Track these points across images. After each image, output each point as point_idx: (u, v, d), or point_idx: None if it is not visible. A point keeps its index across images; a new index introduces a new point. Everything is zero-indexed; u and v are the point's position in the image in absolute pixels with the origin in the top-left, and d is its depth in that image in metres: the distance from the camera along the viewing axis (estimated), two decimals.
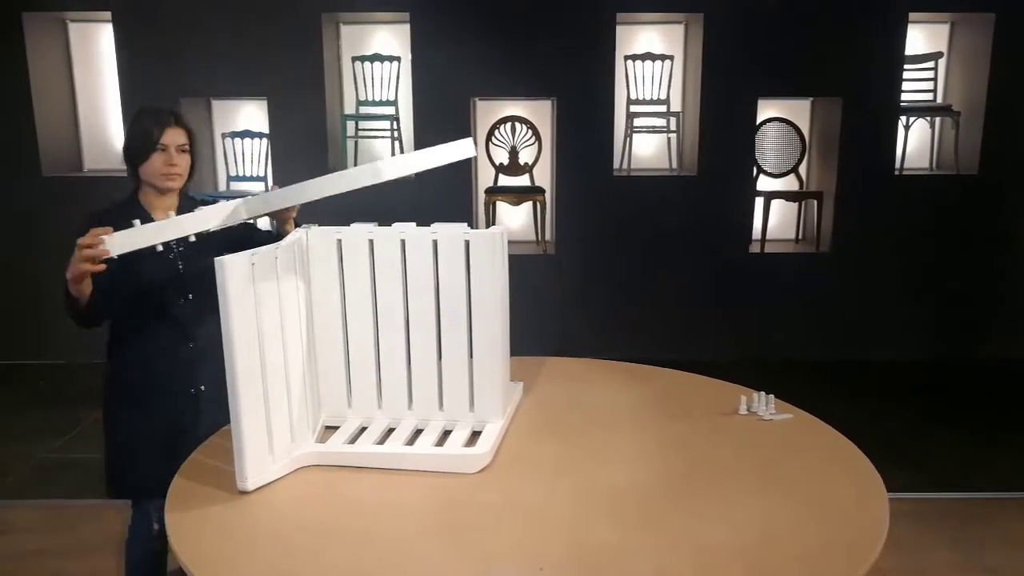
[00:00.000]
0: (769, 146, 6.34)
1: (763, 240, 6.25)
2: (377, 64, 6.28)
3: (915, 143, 6.48)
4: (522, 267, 5.26)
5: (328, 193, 2.13)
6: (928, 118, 6.45)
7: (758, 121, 6.17)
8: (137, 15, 5.89)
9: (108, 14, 5.95)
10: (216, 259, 1.91)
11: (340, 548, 1.75)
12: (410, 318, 2.25)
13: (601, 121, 6.02)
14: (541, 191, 6.22)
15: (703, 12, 5.93)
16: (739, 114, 6.05)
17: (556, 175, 6.20)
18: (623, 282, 6.19)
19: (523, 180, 6.36)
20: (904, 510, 3.79)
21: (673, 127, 6.39)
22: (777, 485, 2.01)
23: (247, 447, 1.98)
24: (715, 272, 6.17)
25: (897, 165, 6.25)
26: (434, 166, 2.20)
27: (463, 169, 5.96)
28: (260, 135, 6.27)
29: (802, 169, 6.44)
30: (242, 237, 2.51)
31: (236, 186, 6.36)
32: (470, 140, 2.31)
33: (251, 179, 6.34)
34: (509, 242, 2.35)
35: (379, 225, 2.25)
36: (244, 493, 1.98)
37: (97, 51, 6.45)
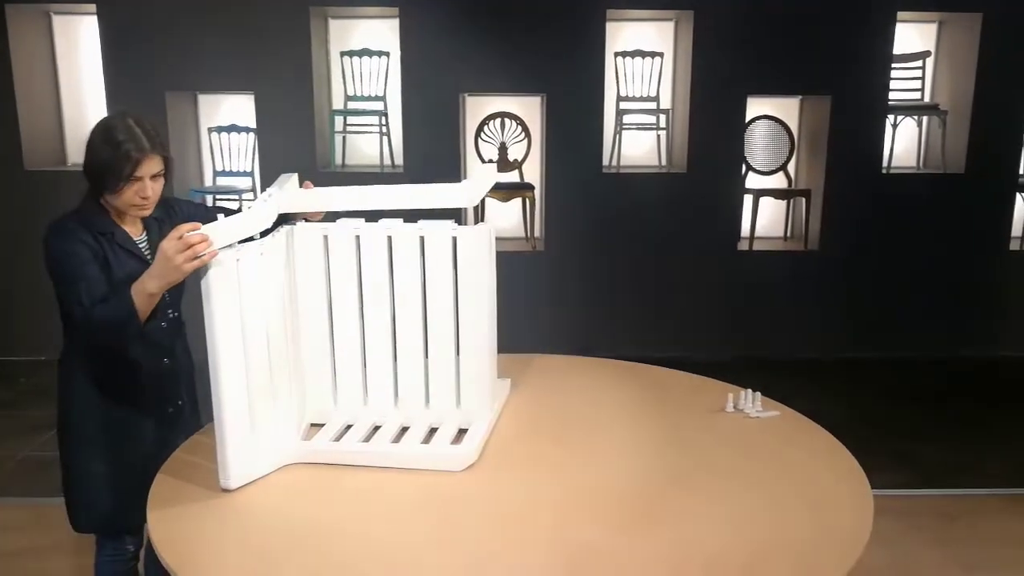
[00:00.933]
0: (758, 144, 6.34)
1: (752, 237, 6.25)
2: (366, 59, 6.25)
3: (903, 141, 6.49)
4: (511, 264, 5.25)
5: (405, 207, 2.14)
6: (915, 117, 6.47)
7: (747, 119, 6.17)
8: (122, 7, 5.84)
9: (93, 7, 5.89)
10: None
11: (324, 547, 1.74)
12: (396, 315, 2.24)
13: (591, 118, 6.01)
14: (530, 187, 6.20)
15: (693, 9, 5.92)
16: (728, 111, 6.05)
17: (545, 172, 6.18)
18: (611, 279, 6.18)
19: (512, 176, 6.34)
20: (889, 507, 3.79)
21: (662, 124, 6.38)
22: (763, 482, 2.00)
23: (230, 445, 1.96)
24: (704, 269, 6.17)
25: (885, 163, 6.27)
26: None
27: (451, 166, 5.95)
28: (247, 129, 6.24)
29: (791, 167, 6.44)
30: None
31: (222, 181, 6.33)
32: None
33: (237, 174, 6.30)
34: (498, 239, 2.34)
35: (366, 221, 2.23)
36: (227, 491, 1.96)
37: (81, 44, 6.39)
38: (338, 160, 6.37)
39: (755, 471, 2.07)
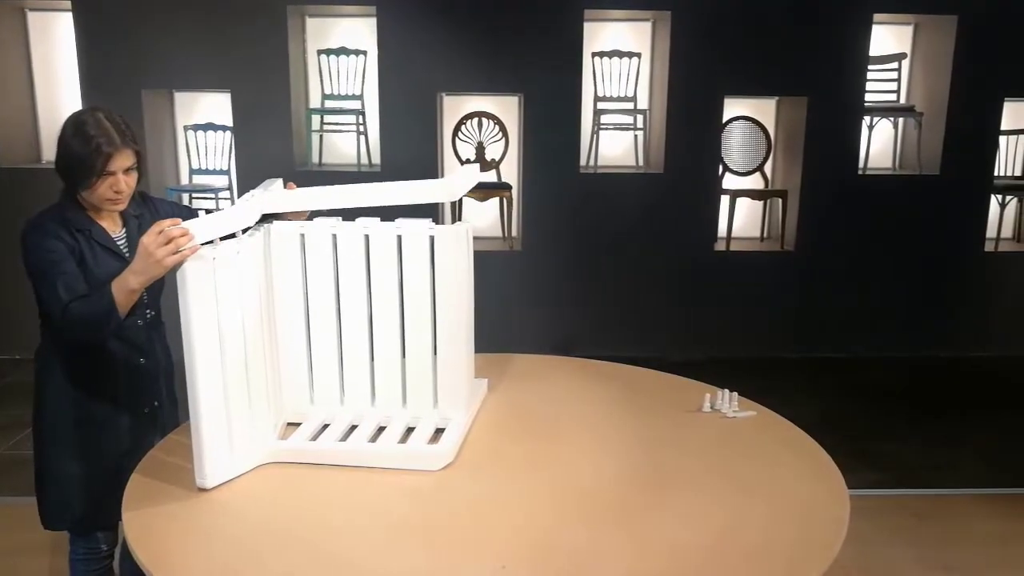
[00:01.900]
0: (735, 144, 6.37)
1: (728, 238, 6.28)
2: (343, 57, 6.23)
3: (879, 143, 6.55)
4: (488, 264, 5.24)
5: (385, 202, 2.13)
6: (891, 118, 6.53)
7: (724, 119, 6.20)
8: (97, 4, 5.78)
9: (68, 3, 5.83)
10: None
11: (300, 546, 1.73)
12: (373, 314, 2.23)
13: (568, 118, 6.01)
14: (508, 187, 6.20)
15: (671, 10, 5.94)
16: (705, 112, 6.07)
17: (523, 171, 6.18)
18: (589, 279, 6.19)
19: (490, 176, 6.34)
20: (865, 506, 3.83)
21: (640, 124, 6.40)
22: (740, 482, 2.01)
23: (206, 444, 1.95)
24: (680, 270, 6.19)
25: (861, 164, 6.32)
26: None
27: (429, 165, 5.94)
28: (223, 128, 6.20)
29: (768, 167, 6.48)
30: None
31: (198, 179, 6.29)
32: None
33: (214, 172, 6.26)
34: (475, 238, 2.34)
35: (343, 220, 2.22)
36: (203, 491, 1.95)
37: (57, 41, 6.33)
38: (315, 159, 6.34)
39: (731, 471, 2.08)
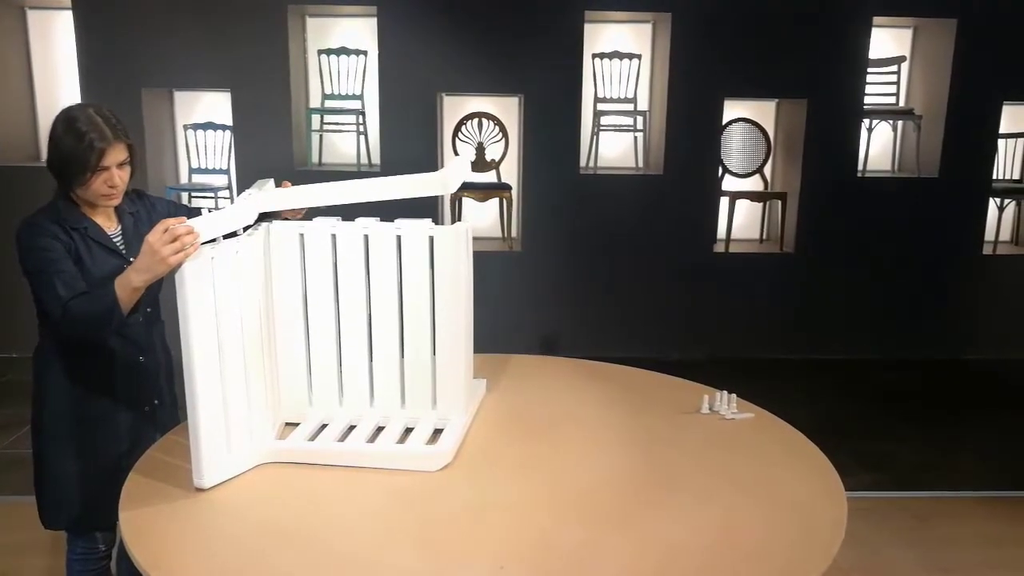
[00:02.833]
0: (735, 146, 6.37)
1: (728, 240, 6.28)
2: (343, 57, 6.23)
3: (878, 145, 6.55)
4: (488, 264, 5.25)
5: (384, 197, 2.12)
6: (891, 121, 6.53)
7: (724, 121, 6.20)
8: (97, 3, 5.78)
9: (68, 2, 5.83)
10: None
11: (298, 547, 1.73)
12: (372, 314, 2.23)
13: (568, 119, 6.01)
14: (507, 188, 6.20)
15: (671, 12, 5.94)
16: (705, 114, 6.07)
17: (522, 172, 6.18)
18: (588, 280, 6.19)
19: (490, 176, 6.34)
20: (863, 508, 3.83)
21: (640, 126, 6.40)
22: (738, 484, 2.01)
23: (204, 444, 1.94)
24: (680, 271, 6.19)
25: (860, 167, 6.32)
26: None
27: (429, 165, 5.93)
28: (223, 127, 6.20)
29: (767, 170, 6.48)
30: None
31: (198, 179, 6.28)
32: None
33: (214, 171, 6.26)
34: (475, 239, 2.33)
35: (342, 220, 2.22)
36: (201, 491, 1.95)
37: (56, 39, 6.32)
38: (315, 159, 6.34)
39: (730, 472, 2.07)
